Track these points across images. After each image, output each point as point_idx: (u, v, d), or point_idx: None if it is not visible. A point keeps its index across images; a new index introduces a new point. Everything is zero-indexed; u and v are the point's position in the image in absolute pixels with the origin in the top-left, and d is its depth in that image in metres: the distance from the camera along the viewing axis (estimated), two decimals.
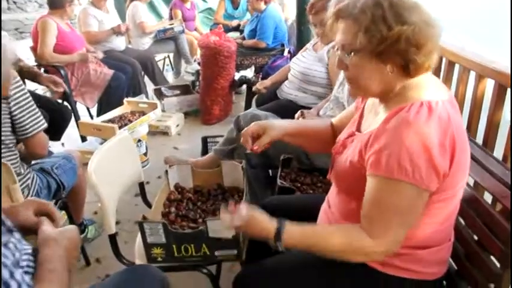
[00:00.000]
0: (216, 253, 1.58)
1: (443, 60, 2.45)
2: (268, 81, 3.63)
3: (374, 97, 1.45)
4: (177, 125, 4.50)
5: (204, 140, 3.54)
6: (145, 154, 3.64)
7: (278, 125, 1.63)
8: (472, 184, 1.73)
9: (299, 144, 1.78)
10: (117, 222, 1.86)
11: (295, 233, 1.35)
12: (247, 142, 1.58)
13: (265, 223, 1.35)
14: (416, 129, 1.22)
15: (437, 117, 1.23)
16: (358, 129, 1.49)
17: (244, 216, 1.33)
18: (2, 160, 1.74)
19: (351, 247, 1.32)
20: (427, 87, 1.32)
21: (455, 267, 1.63)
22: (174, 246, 1.58)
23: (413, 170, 1.22)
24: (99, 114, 4.17)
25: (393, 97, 1.34)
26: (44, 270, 1.09)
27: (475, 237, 1.59)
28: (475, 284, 1.50)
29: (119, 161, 1.86)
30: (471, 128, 2.20)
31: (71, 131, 3.71)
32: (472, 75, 2.20)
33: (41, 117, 1.98)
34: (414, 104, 1.26)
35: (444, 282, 1.63)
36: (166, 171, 1.89)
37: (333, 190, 1.58)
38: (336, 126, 1.75)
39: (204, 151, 3.49)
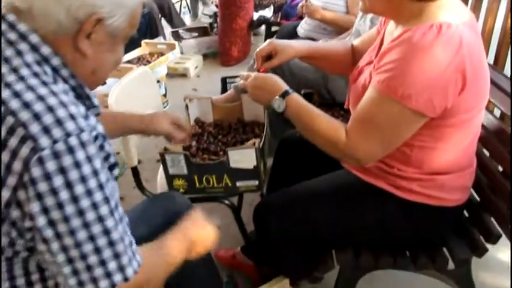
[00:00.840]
0: (238, 184, 1.60)
1: None
2: None
3: (384, 16, 1.44)
4: (196, 67, 4.47)
5: (223, 81, 3.50)
6: (164, 95, 3.64)
7: (291, 47, 1.64)
8: (498, 115, 1.69)
9: (317, 65, 1.82)
10: (138, 162, 1.88)
11: (298, 101, 1.44)
12: (258, 61, 1.63)
13: (278, 82, 1.46)
14: (418, 50, 1.19)
15: (445, 40, 1.18)
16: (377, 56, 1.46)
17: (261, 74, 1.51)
18: None
19: (329, 137, 1.35)
20: (445, 9, 1.25)
21: (478, 199, 1.62)
22: (195, 177, 1.59)
23: (406, 91, 1.20)
24: None
25: (408, 19, 1.29)
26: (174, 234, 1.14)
27: (500, 168, 1.57)
28: (500, 216, 1.49)
29: (139, 95, 1.85)
30: (499, 61, 2.13)
31: None
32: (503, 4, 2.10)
33: None
34: (424, 25, 1.22)
35: (466, 212, 1.64)
36: (187, 105, 1.87)
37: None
38: (357, 48, 1.72)
39: (224, 92, 3.46)
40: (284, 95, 1.41)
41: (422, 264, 1.55)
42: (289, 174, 1.77)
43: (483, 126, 1.58)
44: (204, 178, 1.60)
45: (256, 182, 1.59)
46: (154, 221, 1.31)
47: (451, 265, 1.67)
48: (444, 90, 1.20)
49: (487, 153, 1.64)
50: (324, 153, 1.40)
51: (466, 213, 1.65)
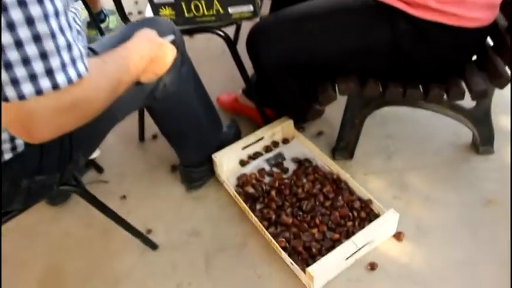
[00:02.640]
0: (230, 10, 1.42)
1: None
2: None
3: None
4: None
5: None
6: None
7: None
8: None
9: None
10: None
11: None
12: None
13: None
14: None
15: None
16: None
17: None
18: None
19: None
20: None
21: (506, 23, 1.42)
22: (183, 4, 1.42)
23: None
24: None
25: None
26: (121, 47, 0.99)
27: None
28: None
29: None
30: None
31: None
32: None
33: None
34: None
35: (490, 39, 1.45)
36: None
37: None
38: None
39: None
40: None
41: (434, 96, 1.41)
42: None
43: None
44: (192, 5, 1.42)
45: (251, 7, 1.41)
46: None
47: (468, 103, 1.54)
48: None
49: None
50: None
51: (490, 41, 1.47)
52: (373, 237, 1.39)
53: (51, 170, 1.06)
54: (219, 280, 1.41)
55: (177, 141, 1.55)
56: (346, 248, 1.34)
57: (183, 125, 1.47)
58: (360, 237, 1.36)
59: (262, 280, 1.40)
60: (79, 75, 0.78)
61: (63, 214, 1.64)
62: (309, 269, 1.30)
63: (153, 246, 1.51)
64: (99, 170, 1.78)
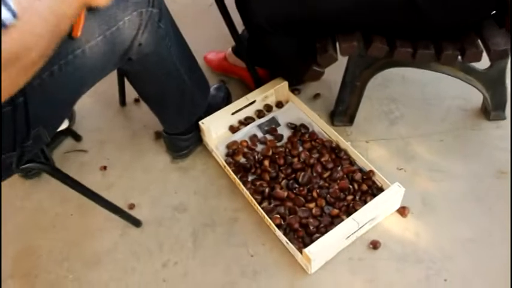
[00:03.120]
0: None
1: None
2: None
3: None
4: None
5: None
6: None
7: None
8: None
9: None
10: None
11: None
12: None
13: None
14: None
15: None
16: None
17: None
18: None
19: None
20: None
21: None
22: None
23: None
24: None
25: None
26: None
27: None
28: None
29: None
30: None
31: None
32: None
33: None
34: None
35: None
36: None
37: None
38: None
39: None
40: None
41: (448, 57, 1.26)
42: None
43: None
44: None
45: None
46: None
47: (481, 64, 1.38)
48: None
49: None
50: None
51: None
52: (376, 214, 1.27)
53: (6, 149, 0.92)
54: (208, 258, 1.30)
55: (159, 108, 1.39)
56: (346, 226, 1.23)
57: (164, 89, 1.31)
58: (362, 215, 1.24)
59: (255, 259, 1.29)
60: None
61: (37, 188, 1.50)
62: (306, 250, 1.18)
63: (136, 222, 1.39)
64: (77, 138, 1.63)
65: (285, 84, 1.59)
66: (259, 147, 1.52)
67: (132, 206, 1.43)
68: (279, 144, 1.52)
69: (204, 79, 1.46)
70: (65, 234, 1.39)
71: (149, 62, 1.17)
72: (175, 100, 1.35)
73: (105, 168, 1.54)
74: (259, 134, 1.56)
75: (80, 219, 1.42)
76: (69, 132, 1.61)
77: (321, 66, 1.33)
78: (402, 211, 1.33)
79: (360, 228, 1.25)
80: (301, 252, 1.22)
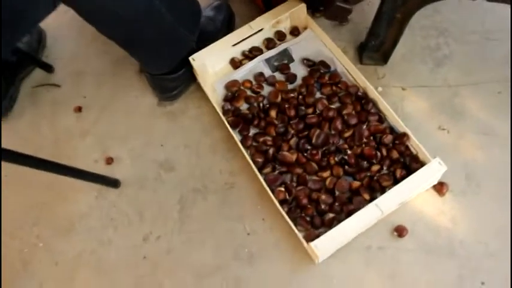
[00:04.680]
0: None
1: None
2: None
3: None
4: None
5: None
6: None
7: None
8: None
9: None
10: None
11: None
12: None
13: None
14: None
15: None
16: None
17: None
18: None
19: None
20: None
21: None
22: None
23: None
24: None
25: None
26: None
27: None
28: None
29: None
30: None
31: None
32: None
33: None
34: None
35: None
36: None
37: None
38: None
39: None
40: None
41: None
42: None
43: None
44: None
45: None
46: None
47: None
48: None
49: None
50: None
51: None
52: (406, 198, 1.00)
53: None
54: (196, 234, 1.08)
55: (130, 50, 1.08)
56: (366, 214, 0.97)
57: (132, 30, 0.97)
58: (388, 201, 0.98)
59: (251, 238, 1.07)
60: None
61: (7, 132, 1.27)
62: (312, 244, 0.95)
63: (114, 183, 1.16)
64: (48, 68, 1.34)
65: (303, 6, 1.23)
66: (266, 90, 1.21)
67: (110, 161, 1.20)
68: (290, 86, 1.21)
69: (192, 2, 1.11)
70: (33, 195, 1.18)
71: None
72: (150, 41, 1.02)
73: (79, 109, 1.28)
74: (267, 72, 1.24)
75: (49, 178, 1.16)
76: (38, 63, 1.33)
77: (347, 1, 0.96)
78: (440, 188, 1.05)
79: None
80: (307, 240, 0.99)
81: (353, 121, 1.12)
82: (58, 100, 1.30)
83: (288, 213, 1.03)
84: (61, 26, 1.38)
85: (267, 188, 1.05)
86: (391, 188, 1.02)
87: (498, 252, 0.99)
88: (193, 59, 1.17)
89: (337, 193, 1.05)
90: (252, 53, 1.26)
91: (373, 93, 1.13)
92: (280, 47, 1.26)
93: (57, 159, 1.08)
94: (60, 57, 1.37)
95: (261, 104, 1.18)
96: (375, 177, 1.06)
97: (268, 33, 1.27)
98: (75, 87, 1.32)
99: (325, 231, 1.00)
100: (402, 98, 1.17)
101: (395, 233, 1.03)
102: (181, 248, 1.08)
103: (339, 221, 1.00)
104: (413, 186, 0.98)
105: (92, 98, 1.29)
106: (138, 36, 1.00)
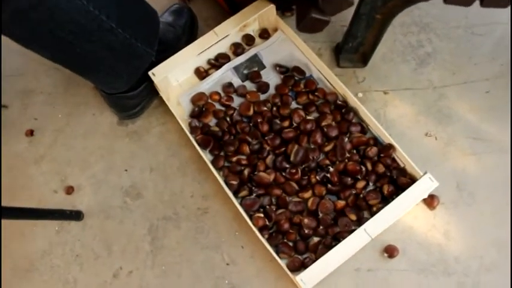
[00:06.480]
0: None
1: None
2: None
3: None
4: None
5: None
6: None
7: None
8: None
9: None
10: None
11: None
12: None
13: None
14: None
15: None
16: None
17: None
18: None
19: None
20: None
21: None
22: None
23: None
24: None
25: None
26: None
27: None
28: None
29: None
30: None
31: None
32: None
33: None
34: None
35: None
36: None
37: None
38: None
39: None
40: None
41: None
42: None
43: None
44: None
45: None
46: None
47: None
48: None
49: None
50: None
51: None
52: (394, 219, 0.92)
53: None
54: (170, 266, 0.99)
55: (83, 72, 0.95)
56: (354, 241, 0.89)
57: (79, 48, 0.85)
58: (376, 224, 0.90)
59: (231, 269, 0.98)
60: None
61: None
62: (298, 278, 0.87)
63: (77, 215, 1.05)
64: None
65: (272, 7, 1.11)
66: (236, 102, 1.11)
67: (70, 190, 1.08)
68: (263, 97, 1.11)
69: (146, 11, 0.99)
70: None
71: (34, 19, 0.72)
72: (103, 61, 0.90)
73: (31, 133, 1.15)
74: (237, 81, 1.13)
75: None
76: None
77: (324, 12, 0.85)
78: (430, 202, 0.98)
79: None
80: (290, 270, 0.90)
81: (333, 133, 1.03)
82: (6, 123, 1.17)
83: (268, 240, 0.95)
84: (5, 40, 1.24)
85: (244, 214, 0.96)
86: (378, 206, 0.94)
87: (495, 265, 0.93)
88: (154, 74, 1.05)
89: (320, 215, 0.96)
90: (218, 61, 1.15)
91: (354, 101, 1.03)
92: (249, 53, 1.15)
93: (11, 191, 0.96)
94: (6, 73, 1.23)
95: (232, 119, 1.08)
96: (361, 195, 0.97)
97: (235, 37, 1.16)
98: (24, 107, 1.19)
99: (310, 257, 0.92)
100: (385, 104, 1.08)
101: (385, 254, 0.95)
102: (156, 283, 0.98)
103: (325, 245, 0.93)
104: (403, 207, 0.90)
105: (45, 120, 1.16)
106: (88, 57, 0.87)
